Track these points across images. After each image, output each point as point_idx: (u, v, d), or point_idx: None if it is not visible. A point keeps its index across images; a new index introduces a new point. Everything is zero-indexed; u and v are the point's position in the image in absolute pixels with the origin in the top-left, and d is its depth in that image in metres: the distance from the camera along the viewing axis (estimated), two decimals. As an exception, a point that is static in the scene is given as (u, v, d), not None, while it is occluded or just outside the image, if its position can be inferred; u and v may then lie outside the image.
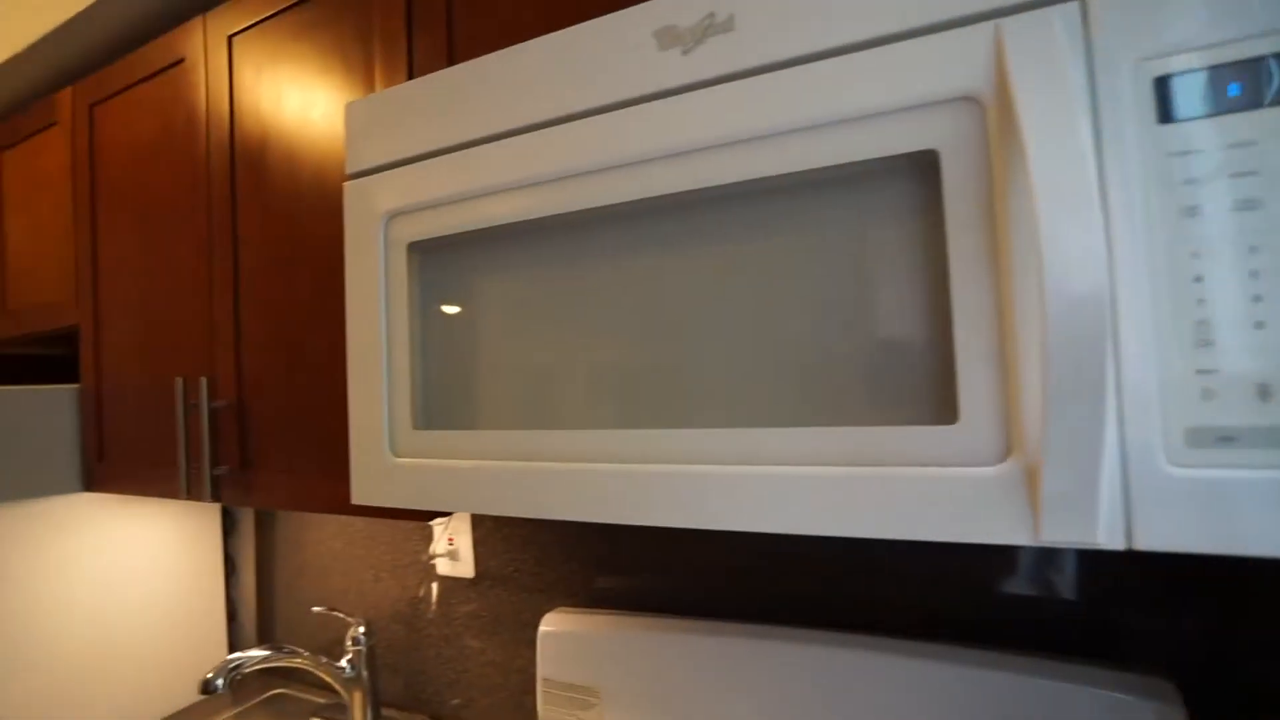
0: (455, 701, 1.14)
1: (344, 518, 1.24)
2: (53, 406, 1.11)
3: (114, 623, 1.17)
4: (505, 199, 0.54)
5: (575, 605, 0.98)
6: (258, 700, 1.26)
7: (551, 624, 0.90)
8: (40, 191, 1.23)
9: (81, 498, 1.14)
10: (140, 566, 1.21)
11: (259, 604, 1.39)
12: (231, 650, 1.37)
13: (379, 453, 0.59)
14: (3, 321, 1.27)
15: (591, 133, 0.49)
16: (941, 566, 0.75)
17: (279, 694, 1.28)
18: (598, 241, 0.51)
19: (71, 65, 1.26)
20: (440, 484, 0.56)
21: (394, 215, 0.60)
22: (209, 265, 0.93)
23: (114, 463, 1.08)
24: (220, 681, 0.96)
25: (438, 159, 0.57)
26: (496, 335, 0.56)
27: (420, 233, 0.58)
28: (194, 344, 0.94)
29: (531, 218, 0.53)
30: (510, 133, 0.54)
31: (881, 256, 0.41)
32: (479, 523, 1.08)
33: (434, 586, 1.17)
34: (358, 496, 0.61)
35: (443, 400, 0.58)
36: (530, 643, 1.04)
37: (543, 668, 0.89)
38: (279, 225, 0.87)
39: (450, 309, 0.58)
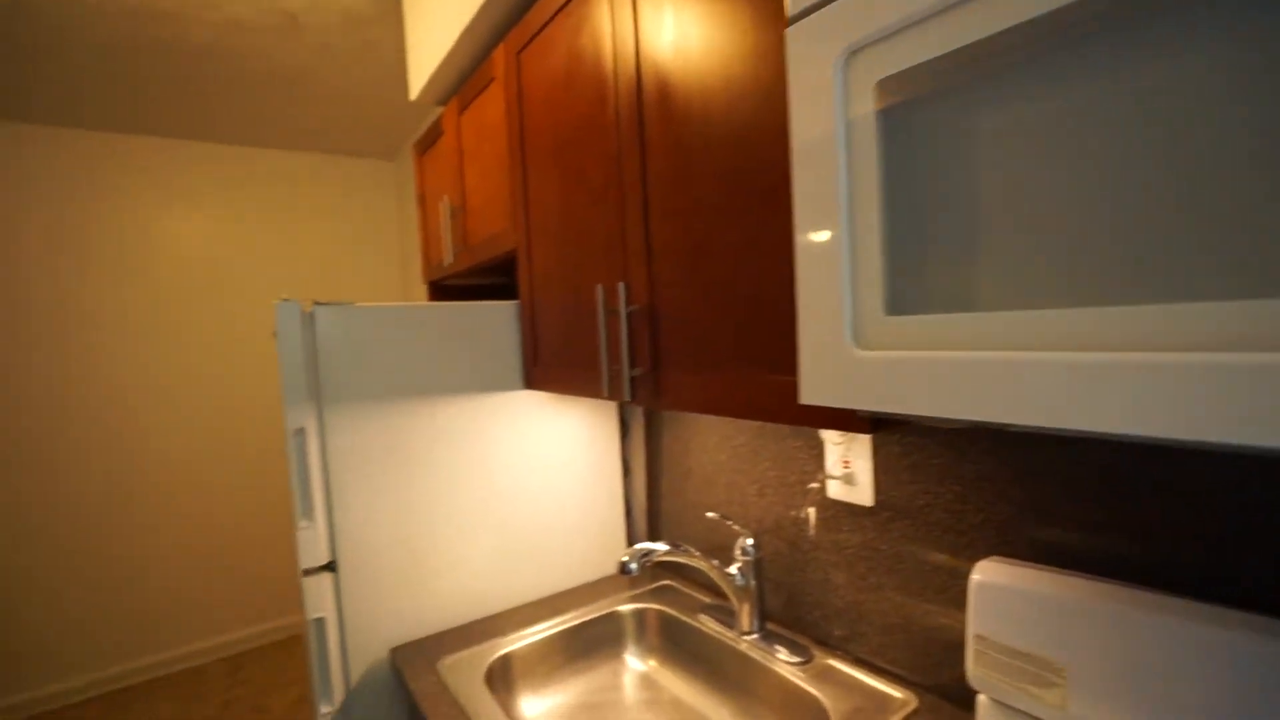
0: (839, 632, 1.07)
1: (729, 430, 1.25)
2: (501, 318, 1.33)
3: (541, 500, 1.39)
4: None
5: (1006, 555, 0.81)
6: (650, 588, 1.39)
7: (989, 574, 0.74)
8: (485, 142, 1.46)
9: (522, 394, 1.36)
10: (561, 456, 1.42)
11: (649, 503, 1.53)
12: (629, 540, 1.54)
13: (838, 345, 0.50)
14: (465, 255, 1.59)
15: None
16: None
17: (667, 585, 1.39)
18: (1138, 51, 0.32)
19: (504, 23, 1.45)
20: (929, 382, 0.45)
21: (854, 51, 0.48)
22: (619, 180, 0.97)
23: (546, 365, 1.25)
24: (634, 565, 1.06)
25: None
26: (993, 186, 0.41)
27: (892, 64, 0.46)
28: (608, 255, 1.00)
29: (1046, 11, 0.36)
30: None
31: None
32: (883, 446, 0.96)
33: (810, 512, 1.11)
34: (809, 395, 0.53)
35: (925, 277, 0.46)
36: (939, 589, 0.90)
37: (977, 623, 0.75)
38: (682, 132, 0.84)
39: (929, 159, 0.45)
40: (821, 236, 0.51)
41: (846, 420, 0.62)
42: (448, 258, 1.63)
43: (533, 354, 1.29)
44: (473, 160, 1.53)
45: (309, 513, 1.13)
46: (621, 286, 0.92)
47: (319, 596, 1.15)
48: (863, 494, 0.99)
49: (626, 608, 1.30)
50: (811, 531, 1.11)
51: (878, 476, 0.97)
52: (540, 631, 1.22)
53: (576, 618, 1.27)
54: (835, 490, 1.04)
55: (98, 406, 2.77)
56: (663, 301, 0.90)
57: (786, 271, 0.69)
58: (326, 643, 1.15)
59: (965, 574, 0.87)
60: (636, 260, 0.93)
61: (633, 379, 0.94)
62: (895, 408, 0.47)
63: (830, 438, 1.03)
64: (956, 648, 0.89)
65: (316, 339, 1.13)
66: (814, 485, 1.10)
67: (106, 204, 2.77)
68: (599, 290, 0.97)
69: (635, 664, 1.27)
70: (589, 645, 1.26)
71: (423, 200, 1.89)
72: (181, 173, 2.92)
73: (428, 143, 1.82)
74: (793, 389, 0.69)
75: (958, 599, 0.88)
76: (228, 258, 3.02)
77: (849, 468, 1.01)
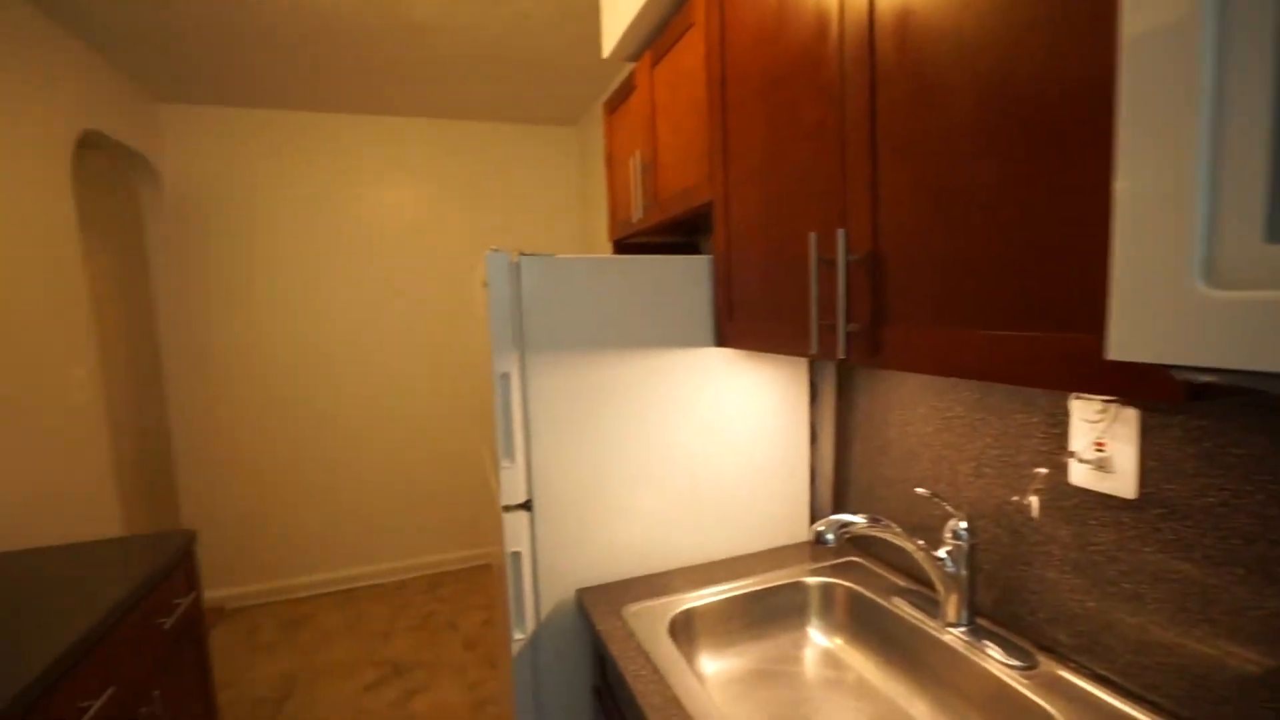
0: (1068, 640, 0.92)
1: (943, 400, 1.12)
2: (694, 273, 1.31)
3: (723, 460, 1.36)
4: None
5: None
6: (834, 563, 1.31)
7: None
8: (679, 91, 1.42)
9: (710, 352, 1.33)
10: (747, 418, 1.37)
11: (835, 473, 1.44)
12: (811, 509, 1.47)
13: (1178, 286, 0.39)
14: (655, 210, 1.58)
15: None
16: None
17: (853, 562, 1.31)
18: None
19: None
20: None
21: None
22: (840, 118, 0.88)
23: (740, 321, 1.21)
24: (831, 536, 0.99)
25: None
26: None
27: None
28: (824, 200, 0.92)
29: None
30: None
31: None
32: (1157, 428, 0.79)
33: (1033, 500, 0.95)
34: (1123, 349, 0.43)
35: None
36: (1231, 611, 0.73)
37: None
38: (923, 55, 0.73)
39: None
40: (1163, 147, 0.40)
41: (1156, 386, 0.50)
42: (636, 214, 1.63)
43: (726, 310, 1.25)
44: (665, 114, 1.50)
45: (510, 453, 1.20)
46: (840, 234, 0.84)
47: (517, 532, 1.22)
48: (1122, 484, 0.83)
49: (813, 580, 1.24)
50: (1039, 521, 0.96)
51: (1145, 463, 0.81)
52: (721, 592, 1.21)
53: (758, 583, 1.24)
54: (1081, 476, 0.88)
55: (330, 349, 3.23)
56: (889, 249, 0.80)
57: (1080, 205, 0.57)
58: (522, 576, 1.23)
59: (1276, 602, 0.69)
60: (858, 205, 0.84)
61: (848, 335, 0.86)
62: (1271, 364, 0.36)
63: (1082, 413, 0.87)
64: (1252, 687, 0.72)
65: (521, 288, 1.18)
66: (1040, 470, 0.95)
67: (337, 175, 3.18)
68: (812, 239, 0.90)
69: (819, 639, 1.21)
70: (770, 613, 1.22)
71: (611, 159, 1.91)
72: (393, 146, 3.26)
73: (617, 101, 1.82)
74: (1074, 346, 0.57)
75: (1264, 633, 0.71)
76: (428, 222, 3.34)
77: (1103, 450, 0.85)
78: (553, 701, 1.28)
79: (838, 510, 1.44)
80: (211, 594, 3.14)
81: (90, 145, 2.51)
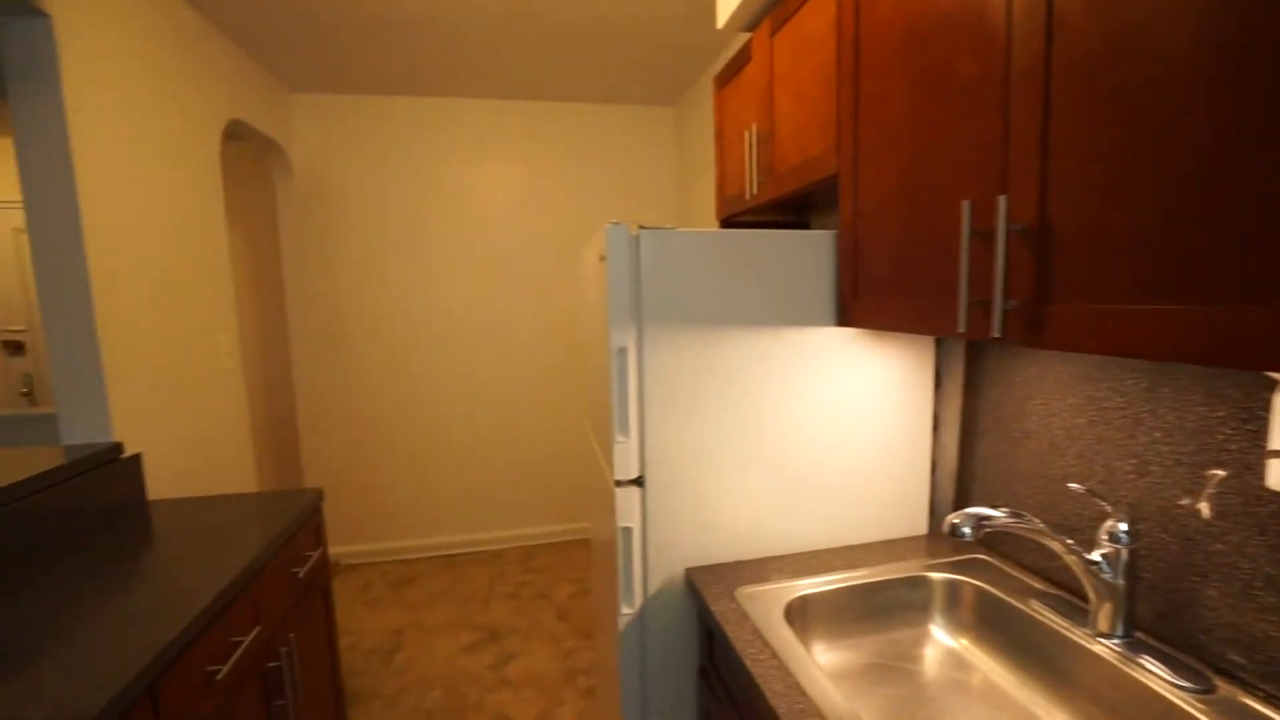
0: (1252, 665, 0.82)
1: (1100, 390, 1.01)
2: (815, 249, 1.25)
3: (840, 445, 1.31)
4: None
5: None
6: (957, 559, 1.23)
7: None
8: (802, 59, 1.36)
9: (829, 332, 1.27)
10: (865, 402, 1.31)
11: (959, 464, 1.35)
12: (931, 501, 1.39)
13: None
14: (770, 185, 1.52)
15: None
16: None
17: (979, 560, 1.22)
18: None
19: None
20: None
21: None
22: (1004, 72, 0.80)
23: (869, 299, 1.14)
24: (967, 530, 0.92)
25: None
26: None
27: None
28: (980, 164, 0.84)
29: None
30: None
31: None
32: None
33: (1203, 505, 0.84)
34: None
35: None
36: None
37: None
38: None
39: None
40: None
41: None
42: (750, 189, 1.59)
43: (851, 287, 1.19)
44: (784, 84, 1.44)
45: (625, 428, 1.20)
46: (1001, 201, 0.77)
47: (628, 507, 1.22)
48: (1342, 490, 0.72)
49: (938, 576, 1.17)
50: (1222, 529, 0.85)
51: (1375, 469, 0.69)
52: (837, 581, 1.16)
53: (876, 575, 1.18)
54: (1282, 480, 0.77)
55: (439, 326, 3.39)
56: (1060, 217, 0.72)
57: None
58: (631, 551, 1.24)
59: None
60: (1024, 169, 0.77)
61: (1005, 312, 0.79)
62: None
63: (1290, 409, 0.76)
64: None
65: (640, 262, 1.17)
66: (1216, 472, 0.84)
67: (444, 158, 3.30)
68: (964, 208, 0.83)
69: (942, 638, 1.14)
70: (889, 607, 1.16)
71: (721, 134, 1.86)
72: (496, 128, 3.34)
73: (729, 74, 1.77)
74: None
75: None
76: (529, 203, 3.42)
77: (1317, 452, 0.73)
78: (657, 678, 1.28)
79: (960, 504, 1.35)
80: (330, 549, 3.40)
81: (232, 135, 2.74)
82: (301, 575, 1.56)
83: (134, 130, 1.80)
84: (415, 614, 2.88)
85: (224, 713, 1.17)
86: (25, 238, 3.72)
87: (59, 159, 1.55)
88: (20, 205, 3.59)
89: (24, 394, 3.78)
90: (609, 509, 1.31)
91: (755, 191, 1.57)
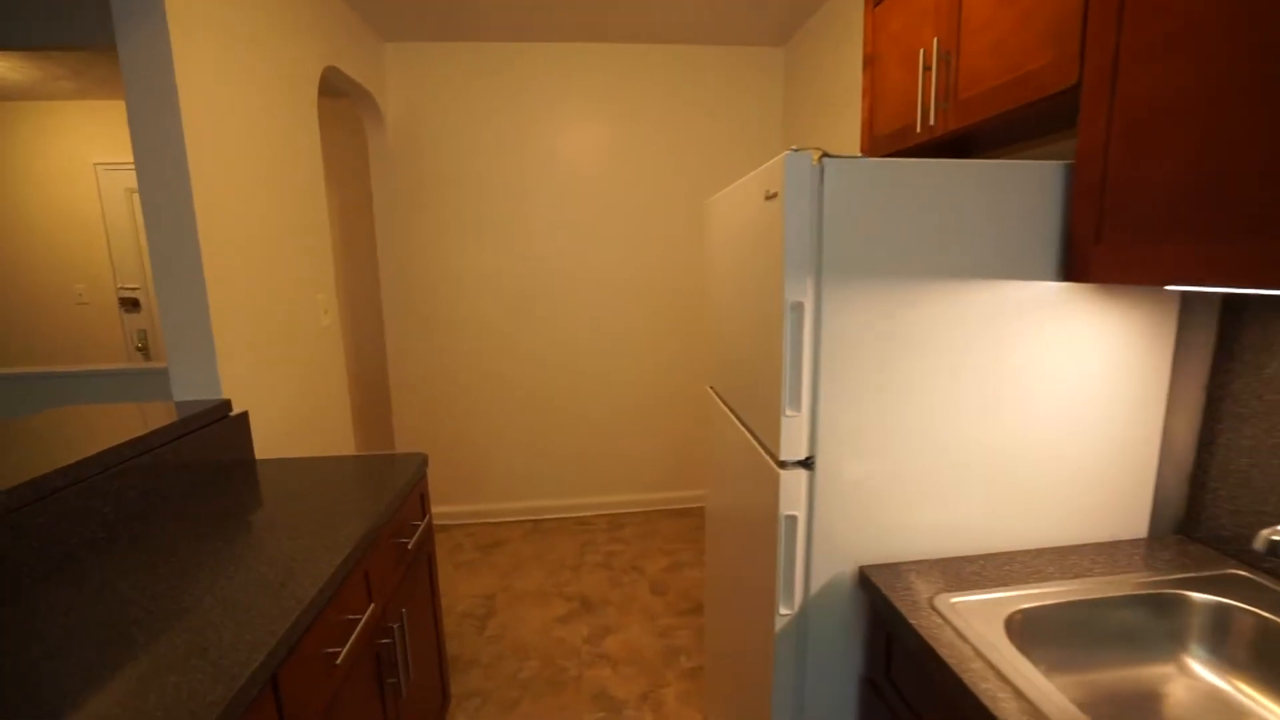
0: None
1: None
2: (1039, 182, 1.00)
3: (1051, 427, 1.07)
4: None
5: None
6: (1206, 574, 0.99)
7: None
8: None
9: (1044, 288, 1.03)
10: (1085, 376, 1.06)
11: (1196, 455, 1.09)
12: (1154, 499, 1.13)
13: None
14: (953, 114, 1.26)
15: None
16: None
17: (1238, 576, 0.97)
18: None
19: None
20: None
21: None
22: None
23: (1119, 245, 0.89)
24: (1298, 550, 0.69)
25: None
26: None
27: None
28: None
29: None
30: None
31: None
32: None
33: None
34: None
35: None
36: None
37: None
38: None
39: None
40: None
41: None
42: (925, 121, 1.33)
43: (1092, 228, 0.94)
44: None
45: (795, 401, 1.01)
46: None
47: (793, 492, 1.04)
48: None
49: (1200, 597, 0.93)
50: None
51: None
52: (1060, 594, 0.94)
53: (1107, 588, 0.95)
54: None
55: (535, 284, 3.27)
56: None
57: None
58: (795, 544, 1.06)
59: None
60: None
61: None
62: None
63: None
64: None
65: (823, 197, 0.96)
66: None
67: (540, 106, 3.13)
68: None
69: (1204, 674, 0.91)
70: (1130, 631, 0.93)
71: (874, 60, 1.60)
72: (595, 73, 3.13)
73: (889, -14, 1.50)
74: None
75: None
76: (626, 152, 3.21)
77: None
78: (815, 686, 1.11)
79: (1196, 504, 1.10)
80: (419, 510, 3.40)
81: (324, 91, 2.65)
82: (410, 546, 1.46)
83: (236, 79, 1.71)
84: (506, 579, 2.83)
85: (340, 699, 1.08)
86: (138, 198, 3.83)
87: (168, 108, 1.47)
88: (132, 167, 3.66)
89: (139, 349, 3.94)
90: (762, 492, 1.13)
91: (933, 122, 1.31)
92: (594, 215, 3.25)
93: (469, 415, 3.35)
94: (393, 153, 3.07)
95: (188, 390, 1.57)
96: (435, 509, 3.41)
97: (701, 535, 3.22)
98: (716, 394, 1.59)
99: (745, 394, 1.26)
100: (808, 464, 1.03)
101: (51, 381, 2.75)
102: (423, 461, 1.63)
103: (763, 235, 1.09)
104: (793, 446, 1.02)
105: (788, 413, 1.01)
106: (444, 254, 3.19)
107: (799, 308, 0.98)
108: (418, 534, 1.52)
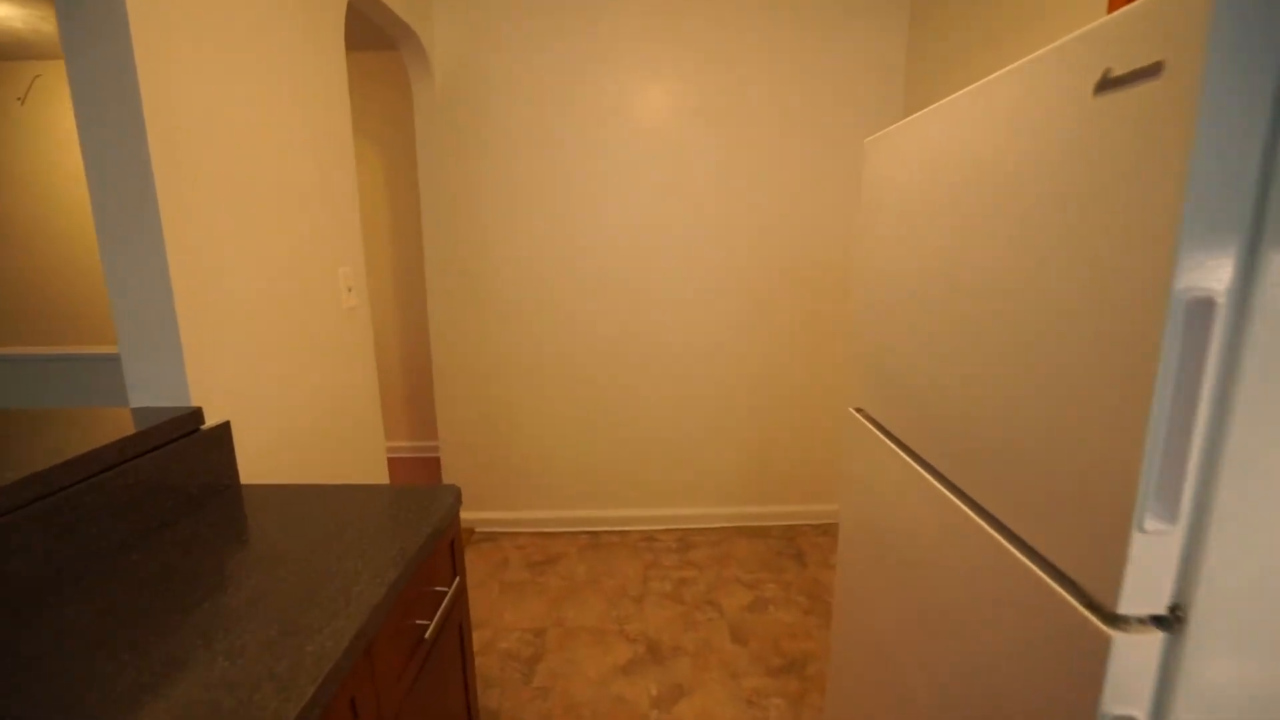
0: None
1: None
2: None
3: None
4: None
5: None
6: None
7: None
8: None
9: None
10: None
11: None
12: None
13: None
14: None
15: None
16: None
17: None
18: None
19: None
20: None
21: None
22: None
23: None
24: None
25: None
26: None
27: None
28: None
29: None
30: None
31: None
32: None
33: None
34: None
35: None
36: None
37: None
38: None
39: None
40: None
41: None
42: None
43: None
44: None
45: (1168, 499, 0.49)
46: None
47: (1133, 676, 0.53)
48: None
49: None
50: None
51: None
52: None
53: None
54: None
55: (605, 269, 2.80)
56: None
57: None
58: (1121, 760, 0.55)
59: None
60: None
61: None
62: None
63: None
64: None
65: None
66: None
67: (614, 62, 2.63)
68: None
69: None
70: None
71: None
72: (677, 16, 2.60)
73: None
74: None
75: None
76: (709, 108, 2.68)
77: None
78: None
79: None
80: (463, 515, 3.02)
81: (362, 45, 2.22)
82: (429, 632, 1.02)
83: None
84: (558, 609, 2.41)
85: None
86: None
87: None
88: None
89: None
90: (1035, 652, 0.62)
91: None
92: (681, 190, 2.73)
93: (524, 410, 2.93)
94: (441, 105, 2.64)
95: (146, 393, 1.17)
96: (482, 514, 3.02)
97: (787, 563, 2.72)
98: (879, 427, 1.08)
99: (988, 455, 0.75)
100: (1169, 622, 0.52)
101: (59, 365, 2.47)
102: (454, 499, 1.19)
103: (1080, 167, 0.56)
104: (1144, 587, 0.51)
105: (1148, 522, 0.49)
106: (500, 223, 2.75)
107: (1204, 308, 0.46)
108: (443, 608, 1.08)
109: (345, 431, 1.74)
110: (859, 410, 1.23)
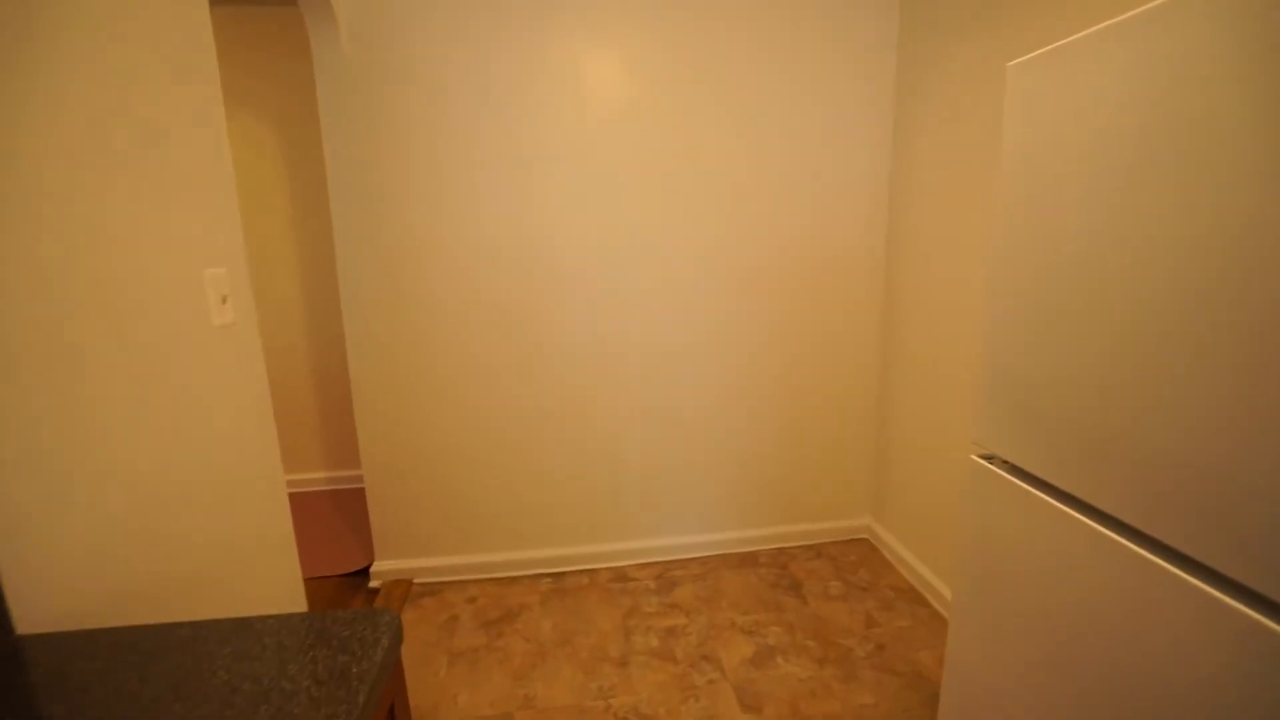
0: None
1: None
2: None
3: None
4: None
5: None
6: None
7: None
8: None
9: None
10: None
11: None
12: None
13: None
14: None
15: None
16: None
17: None
18: None
19: None
20: None
21: None
22: None
23: None
24: None
25: None
26: None
27: None
28: None
29: None
30: None
31: None
32: None
33: None
34: None
35: None
36: None
37: None
38: None
39: None
40: None
41: None
42: None
43: None
44: None
45: None
46: None
47: None
48: None
49: None
50: None
51: None
52: None
53: None
54: None
55: (554, 268, 2.34)
56: None
57: None
58: None
59: None
60: None
61: None
62: None
63: None
64: None
65: None
66: None
67: (550, 21, 2.18)
68: None
69: None
70: None
71: None
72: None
73: None
74: None
75: None
76: (681, 85, 2.27)
77: None
78: None
79: None
80: (397, 564, 2.50)
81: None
82: None
83: None
84: (525, 683, 1.96)
85: None
86: None
87: None
88: None
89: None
90: None
91: None
92: (644, 165, 2.31)
93: (466, 437, 2.44)
94: (350, 67, 2.11)
95: None
96: (420, 563, 2.52)
97: (784, 598, 2.37)
98: (1036, 481, 0.71)
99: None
100: None
101: None
102: (394, 634, 0.74)
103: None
104: None
105: None
106: (430, 213, 2.25)
107: None
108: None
109: (222, 509, 1.23)
110: (989, 457, 0.87)
